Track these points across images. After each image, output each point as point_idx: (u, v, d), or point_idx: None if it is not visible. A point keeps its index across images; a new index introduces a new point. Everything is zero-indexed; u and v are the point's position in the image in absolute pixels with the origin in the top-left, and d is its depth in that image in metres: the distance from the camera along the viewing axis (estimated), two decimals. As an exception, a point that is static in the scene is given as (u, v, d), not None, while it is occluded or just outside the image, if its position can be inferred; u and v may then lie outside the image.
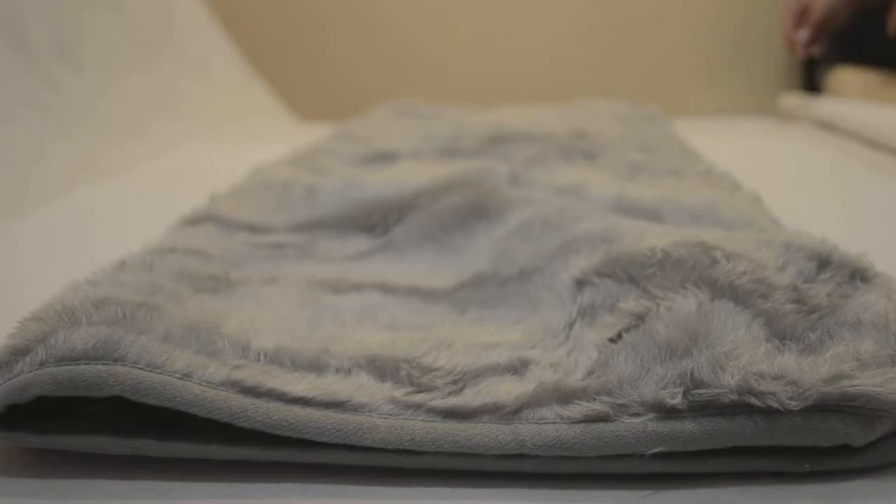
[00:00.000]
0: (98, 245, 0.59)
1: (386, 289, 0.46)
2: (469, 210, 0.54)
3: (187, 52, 1.29)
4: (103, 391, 0.31)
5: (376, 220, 0.56)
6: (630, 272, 0.39)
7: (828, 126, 1.21)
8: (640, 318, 0.36)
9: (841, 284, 0.38)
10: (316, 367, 0.35)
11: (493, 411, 0.33)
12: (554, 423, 0.32)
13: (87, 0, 1.02)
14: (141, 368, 0.32)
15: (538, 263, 0.45)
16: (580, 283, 0.40)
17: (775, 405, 0.30)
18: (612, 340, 0.36)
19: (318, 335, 0.39)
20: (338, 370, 0.35)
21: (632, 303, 0.37)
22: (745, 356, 0.32)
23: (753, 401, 0.31)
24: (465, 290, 0.45)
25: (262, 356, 0.35)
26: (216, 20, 1.49)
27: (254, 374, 0.33)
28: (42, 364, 0.32)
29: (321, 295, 0.45)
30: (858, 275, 0.39)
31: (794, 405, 0.30)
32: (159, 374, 0.32)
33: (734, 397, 0.31)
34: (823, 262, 0.39)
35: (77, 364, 0.31)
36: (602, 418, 0.32)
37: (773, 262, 0.39)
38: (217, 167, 0.83)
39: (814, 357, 0.33)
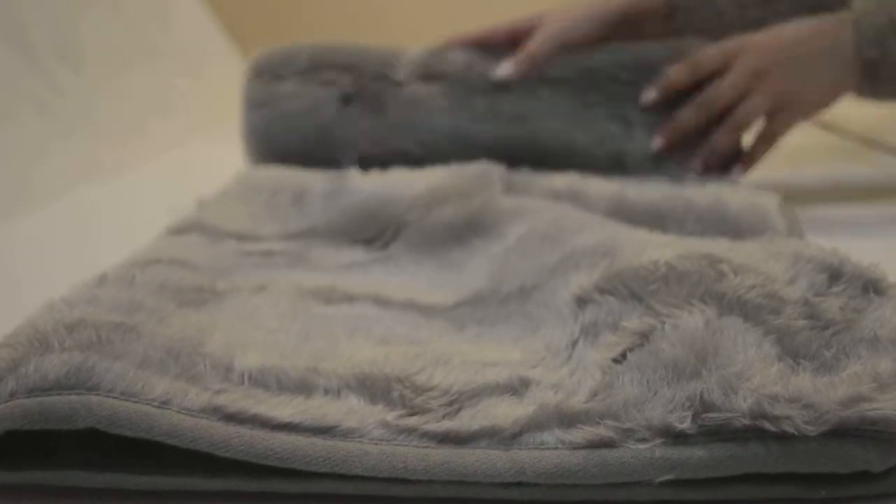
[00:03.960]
0: (99, 245, 0.59)
1: (380, 301, 0.44)
2: (464, 226, 0.52)
3: (187, 52, 1.28)
4: (77, 423, 0.29)
5: (373, 235, 0.54)
6: (632, 288, 0.37)
7: (828, 126, 1.19)
8: (645, 336, 0.34)
9: (854, 297, 0.36)
10: (303, 388, 0.34)
11: (491, 436, 0.31)
12: (555, 448, 0.30)
13: (88, 1, 1.02)
14: (116, 397, 0.30)
15: (537, 280, 0.43)
16: (581, 301, 0.38)
17: (791, 430, 0.29)
18: (616, 361, 0.34)
19: (308, 351, 0.37)
20: (326, 391, 0.33)
21: (635, 321, 0.35)
22: (758, 377, 0.31)
23: (767, 426, 0.29)
24: (463, 308, 0.43)
25: (245, 378, 0.34)
26: (215, 20, 1.48)
27: (236, 400, 0.32)
28: (12, 395, 0.30)
29: (312, 305, 0.43)
30: (871, 287, 0.37)
31: (810, 430, 0.29)
32: (135, 402, 0.30)
33: (747, 422, 0.29)
34: (835, 273, 0.37)
35: (49, 394, 0.30)
36: (607, 444, 0.30)
37: (783, 275, 0.37)
38: (216, 167, 0.83)
39: (829, 377, 0.31)
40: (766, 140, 0.69)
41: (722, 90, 0.67)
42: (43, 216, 0.69)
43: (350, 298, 0.45)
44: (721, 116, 0.67)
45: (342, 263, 0.51)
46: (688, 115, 0.68)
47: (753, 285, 0.36)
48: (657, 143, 0.68)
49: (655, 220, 0.54)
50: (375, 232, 0.54)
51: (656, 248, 0.39)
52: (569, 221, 0.48)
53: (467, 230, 0.52)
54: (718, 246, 0.40)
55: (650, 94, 0.70)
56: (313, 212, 0.57)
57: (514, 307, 0.42)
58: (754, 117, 0.68)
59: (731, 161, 0.68)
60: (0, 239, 0.63)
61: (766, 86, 0.66)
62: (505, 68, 0.73)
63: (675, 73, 0.70)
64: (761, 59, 0.67)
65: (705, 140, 0.68)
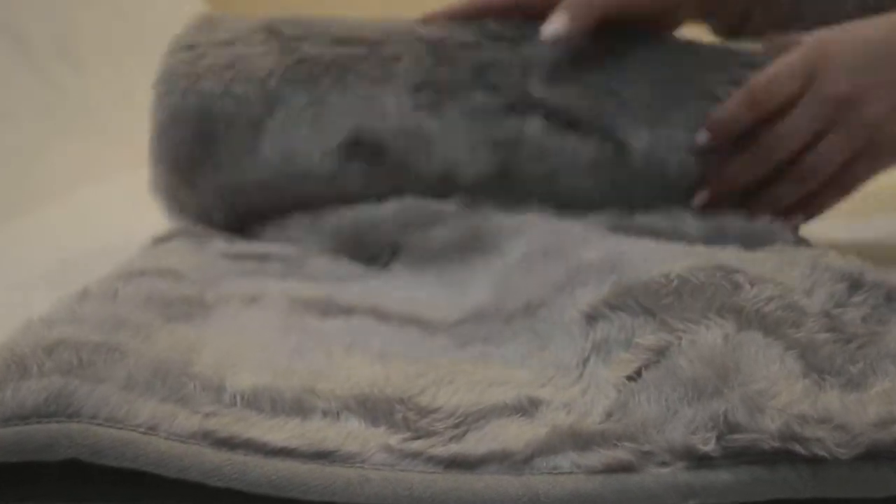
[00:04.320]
0: (98, 246, 0.58)
1: (379, 314, 0.42)
2: (462, 242, 0.51)
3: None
4: (57, 454, 0.27)
5: (370, 256, 0.52)
6: (644, 303, 0.35)
7: None
8: (661, 353, 0.32)
9: (876, 308, 0.35)
10: (300, 410, 0.32)
11: (501, 460, 0.29)
12: (571, 473, 0.28)
13: (87, -1, 1.01)
14: (99, 424, 0.28)
15: (543, 297, 0.41)
16: (590, 318, 0.36)
17: (822, 453, 0.27)
18: (630, 378, 0.32)
19: (303, 368, 0.35)
20: (324, 413, 0.31)
21: (649, 337, 0.33)
22: (784, 395, 0.29)
23: (797, 448, 0.27)
24: (466, 325, 0.41)
25: (238, 399, 0.31)
26: (215, 18, 1.48)
27: (228, 424, 0.30)
28: None
29: (307, 318, 0.41)
30: (894, 297, 0.35)
31: (843, 453, 0.27)
32: (120, 429, 0.28)
33: (776, 444, 0.27)
34: (855, 283, 0.36)
35: (27, 423, 0.27)
36: (625, 468, 0.28)
37: (801, 285, 0.35)
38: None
39: (857, 394, 0.30)
40: (842, 187, 0.52)
41: (787, 137, 0.50)
42: (43, 216, 0.69)
43: (347, 311, 0.43)
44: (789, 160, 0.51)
45: (339, 275, 0.49)
46: (742, 170, 0.52)
47: (772, 297, 0.34)
48: (699, 199, 0.53)
49: (654, 229, 0.53)
50: (372, 253, 0.53)
51: (666, 261, 0.38)
52: (571, 235, 0.46)
53: (466, 246, 0.51)
54: (729, 255, 0.38)
55: (701, 138, 0.52)
56: (298, 239, 0.55)
57: (519, 325, 0.40)
58: (831, 168, 0.51)
59: (792, 208, 0.53)
60: (0, 239, 0.62)
61: (851, 121, 0.49)
62: (555, 25, 0.52)
63: (732, 109, 0.52)
64: (844, 83, 0.49)
65: (765, 193, 0.52)
